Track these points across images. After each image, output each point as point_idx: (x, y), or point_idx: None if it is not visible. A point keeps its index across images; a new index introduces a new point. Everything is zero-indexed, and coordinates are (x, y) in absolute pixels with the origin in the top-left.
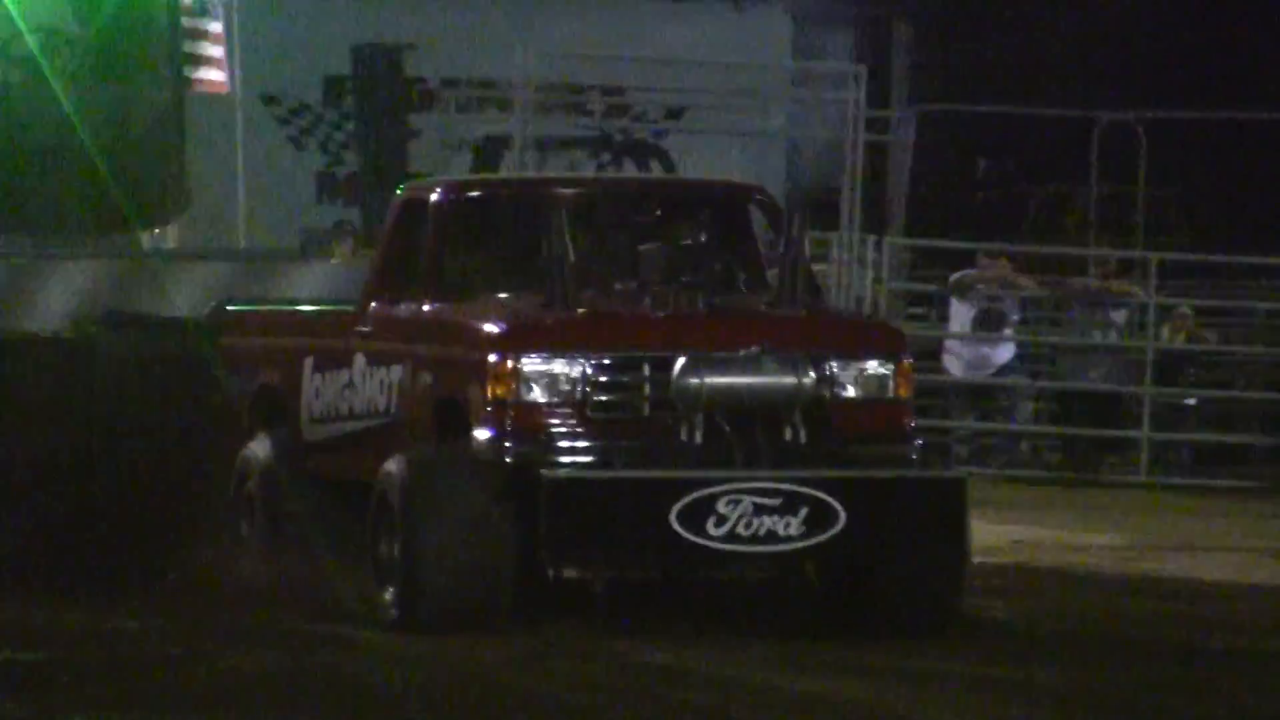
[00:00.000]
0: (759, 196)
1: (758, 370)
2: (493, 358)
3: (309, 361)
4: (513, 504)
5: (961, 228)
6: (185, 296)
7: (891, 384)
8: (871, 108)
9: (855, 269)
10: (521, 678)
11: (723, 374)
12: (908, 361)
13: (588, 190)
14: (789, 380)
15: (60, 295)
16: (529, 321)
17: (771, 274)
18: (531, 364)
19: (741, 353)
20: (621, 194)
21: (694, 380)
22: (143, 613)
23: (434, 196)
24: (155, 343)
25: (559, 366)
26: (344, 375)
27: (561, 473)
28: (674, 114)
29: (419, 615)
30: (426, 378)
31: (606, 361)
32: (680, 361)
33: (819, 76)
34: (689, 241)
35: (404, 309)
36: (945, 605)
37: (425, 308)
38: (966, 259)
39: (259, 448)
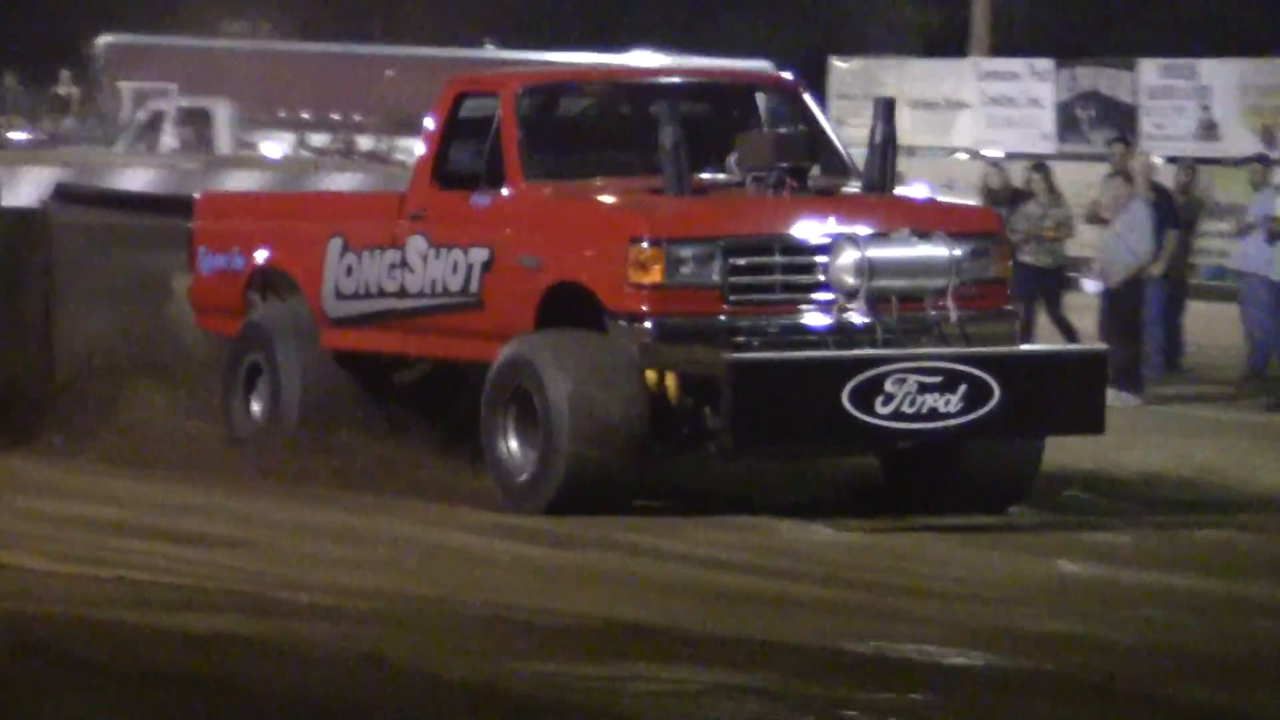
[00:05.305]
0: (802, 86)
1: (912, 248)
2: (634, 241)
3: (335, 242)
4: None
5: None
6: None
7: (996, 262)
8: None
9: None
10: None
11: (884, 251)
12: (1005, 240)
13: (643, 81)
14: (945, 255)
15: None
16: (671, 205)
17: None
18: (676, 247)
19: (892, 232)
20: (670, 84)
21: (854, 258)
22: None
23: (506, 86)
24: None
25: (701, 250)
26: (390, 256)
27: (743, 355)
28: None
29: (556, 500)
30: (532, 261)
31: (747, 244)
32: (837, 241)
33: None
34: (787, 129)
35: (483, 195)
36: (1025, 478)
37: (516, 193)
38: None
39: (264, 322)
